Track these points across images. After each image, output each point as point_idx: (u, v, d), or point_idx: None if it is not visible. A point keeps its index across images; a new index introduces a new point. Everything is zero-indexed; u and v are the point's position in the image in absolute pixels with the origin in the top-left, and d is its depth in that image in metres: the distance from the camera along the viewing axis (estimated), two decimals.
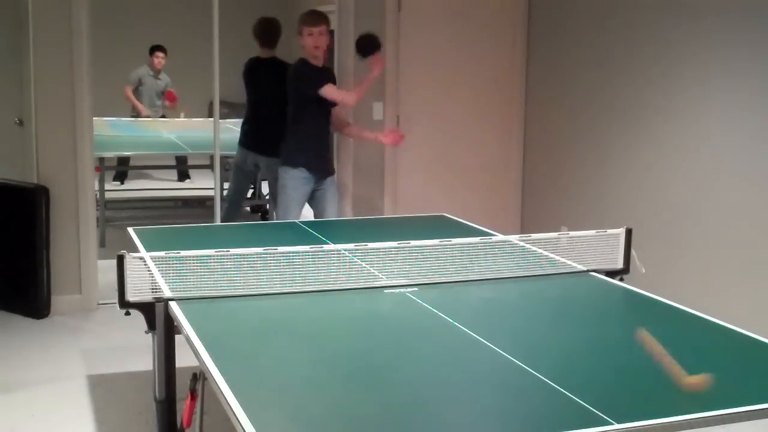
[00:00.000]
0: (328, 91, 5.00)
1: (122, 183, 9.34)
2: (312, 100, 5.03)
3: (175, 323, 2.87)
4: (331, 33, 6.87)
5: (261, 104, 5.87)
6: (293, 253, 3.27)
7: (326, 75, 5.13)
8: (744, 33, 4.35)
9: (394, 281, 3.25)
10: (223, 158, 6.49)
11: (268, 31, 5.90)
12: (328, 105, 5.12)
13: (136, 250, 3.58)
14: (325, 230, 4.27)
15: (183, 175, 9.73)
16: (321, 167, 5.16)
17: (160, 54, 9.13)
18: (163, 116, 9.34)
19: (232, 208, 6.18)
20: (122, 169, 9.11)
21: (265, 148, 5.75)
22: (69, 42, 5.21)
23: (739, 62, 4.39)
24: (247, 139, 6.02)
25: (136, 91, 9.23)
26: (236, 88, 6.18)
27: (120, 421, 3.83)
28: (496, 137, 6.28)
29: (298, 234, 4.18)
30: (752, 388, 2.31)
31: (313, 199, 5.23)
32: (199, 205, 8.40)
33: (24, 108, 5.38)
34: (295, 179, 5.07)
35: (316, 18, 5.06)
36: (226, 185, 6.51)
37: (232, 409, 2.08)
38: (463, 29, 6.10)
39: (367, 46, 5.11)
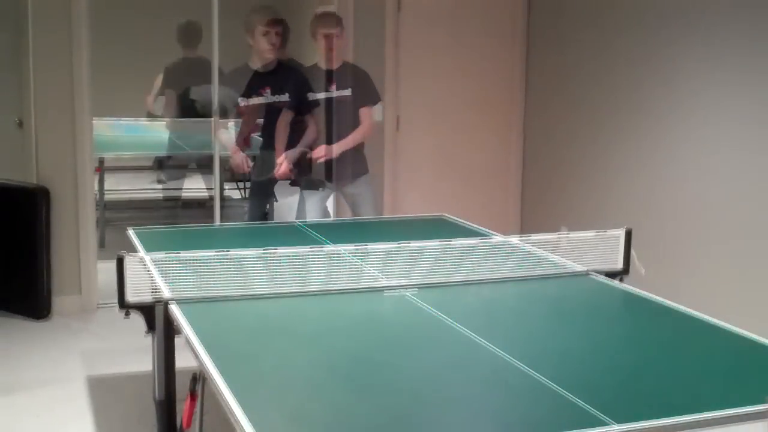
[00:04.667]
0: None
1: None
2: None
3: (175, 324, 2.87)
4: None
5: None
6: (293, 254, 3.27)
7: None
8: (747, 31, 4.35)
9: (394, 282, 3.24)
10: (223, 159, 6.44)
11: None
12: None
13: (135, 251, 3.58)
14: (325, 231, 4.26)
15: None
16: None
17: None
18: None
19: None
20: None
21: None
22: (69, 42, 5.21)
23: (743, 61, 4.39)
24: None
25: None
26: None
27: (120, 422, 3.83)
28: (496, 137, 6.28)
29: (298, 235, 4.18)
30: (751, 388, 2.31)
31: (348, 203, 5.29)
32: (199, 206, 8.38)
33: (24, 108, 5.38)
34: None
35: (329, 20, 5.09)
36: (227, 186, 6.46)
37: (232, 410, 2.08)
38: (462, 29, 6.10)
39: None
